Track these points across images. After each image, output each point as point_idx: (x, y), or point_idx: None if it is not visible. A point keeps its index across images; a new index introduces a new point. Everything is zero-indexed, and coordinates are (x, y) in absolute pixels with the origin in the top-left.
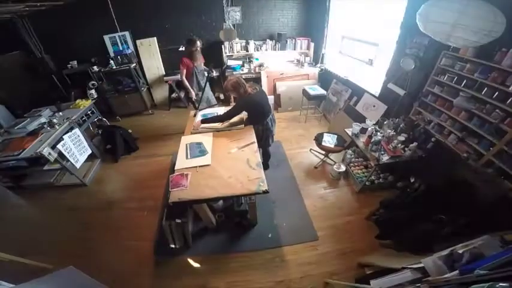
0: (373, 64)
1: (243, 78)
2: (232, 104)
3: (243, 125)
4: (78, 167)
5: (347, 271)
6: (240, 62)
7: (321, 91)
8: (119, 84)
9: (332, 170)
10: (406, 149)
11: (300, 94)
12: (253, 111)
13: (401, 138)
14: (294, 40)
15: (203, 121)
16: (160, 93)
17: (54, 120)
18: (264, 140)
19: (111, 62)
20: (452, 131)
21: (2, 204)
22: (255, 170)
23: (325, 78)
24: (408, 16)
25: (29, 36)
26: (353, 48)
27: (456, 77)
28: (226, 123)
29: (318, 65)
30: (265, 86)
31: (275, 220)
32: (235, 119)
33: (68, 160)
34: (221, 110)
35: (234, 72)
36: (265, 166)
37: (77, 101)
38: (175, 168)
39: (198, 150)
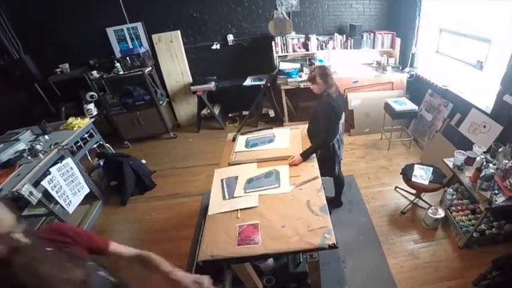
0: (483, 68)
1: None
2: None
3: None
4: (70, 212)
5: None
6: (298, 65)
7: (410, 106)
8: (128, 96)
9: (426, 216)
10: None
11: (380, 110)
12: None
13: None
14: (372, 35)
15: (304, 155)
16: (186, 109)
17: (38, 147)
18: (328, 166)
19: (117, 65)
20: None
21: None
22: (318, 216)
23: (416, 88)
24: None
25: (2, 30)
26: (456, 45)
27: None
28: None
29: (407, 69)
30: None
31: (346, 286)
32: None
33: (56, 202)
34: (271, 132)
35: (289, 80)
36: (337, 202)
37: (70, 119)
38: (209, 213)
39: None
